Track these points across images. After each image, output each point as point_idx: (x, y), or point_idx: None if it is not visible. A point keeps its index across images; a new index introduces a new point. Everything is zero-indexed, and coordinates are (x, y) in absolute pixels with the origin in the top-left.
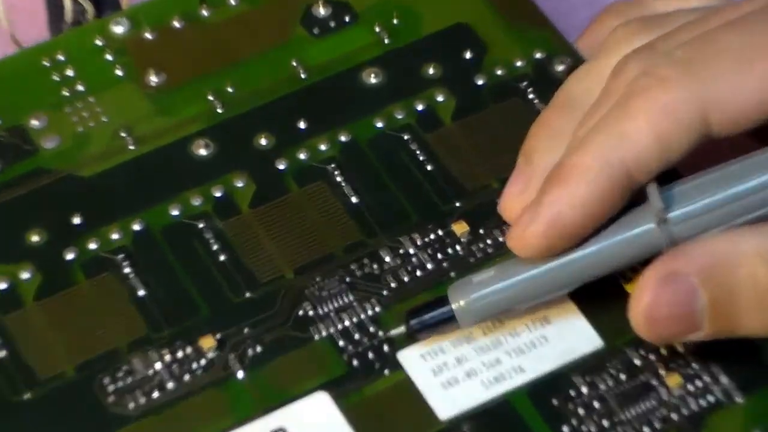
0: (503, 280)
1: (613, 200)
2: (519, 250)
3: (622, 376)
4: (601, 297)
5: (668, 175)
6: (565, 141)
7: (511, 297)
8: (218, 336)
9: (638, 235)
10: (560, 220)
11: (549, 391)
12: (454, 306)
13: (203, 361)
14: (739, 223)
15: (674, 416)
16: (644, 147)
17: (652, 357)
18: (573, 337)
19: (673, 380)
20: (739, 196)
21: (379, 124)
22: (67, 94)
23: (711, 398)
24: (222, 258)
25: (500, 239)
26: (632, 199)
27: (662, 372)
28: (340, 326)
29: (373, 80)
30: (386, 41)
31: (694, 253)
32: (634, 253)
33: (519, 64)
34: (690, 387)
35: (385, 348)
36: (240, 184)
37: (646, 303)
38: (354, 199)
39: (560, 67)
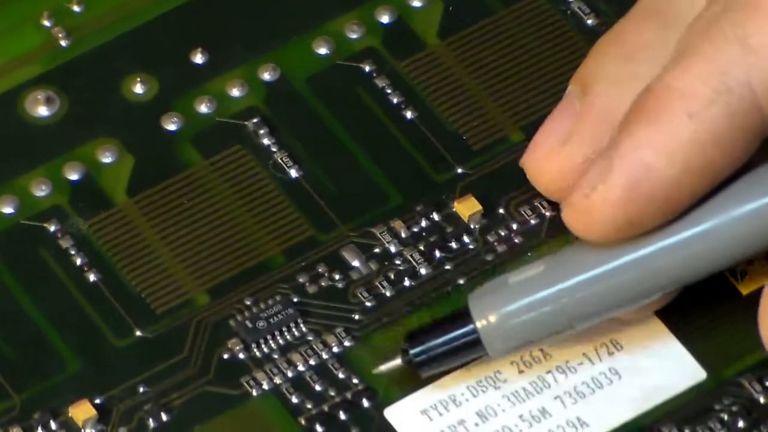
0: (557, 280)
1: (733, 148)
2: (581, 226)
3: (741, 424)
4: (700, 305)
5: None
6: (650, 67)
7: (571, 308)
8: (98, 401)
9: None
10: (648, 179)
11: None
12: (479, 324)
13: None
14: None
15: None
16: None
17: None
18: (660, 368)
19: None
20: None
21: (323, 51)
22: None
23: None
24: (92, 278)
25: (533, 222)
26: (763, 151)
27: None
28: (290, 373)
29: None
30: None
31: None
32: (764, 234)
33: None
34: None
35: (365, 403)
36: (108, 159)
37: None
38: (293, 172)
39: None
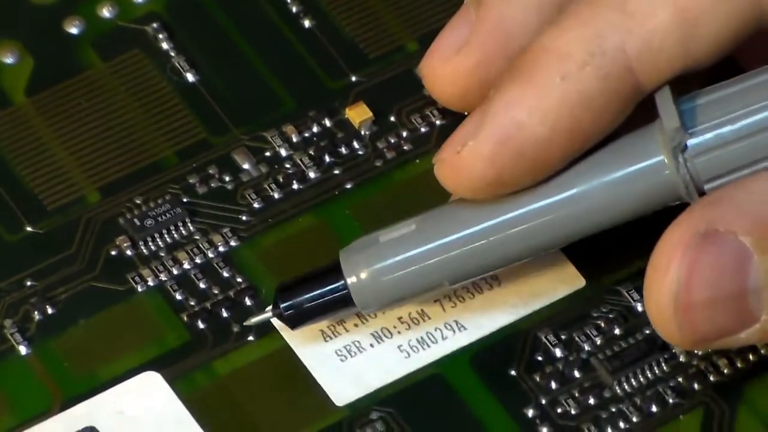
0: (428, 239)
1: (604, 111)
2: (452, 181)
3: (617, 330)
4: None
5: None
6: None
7: (441, 267)
8: None
9: (641, 171)
10: (518, 137)
11: (503, 357)
12: (350, 280)
13: None
14: None
15: (696, 386)
16: (658, 29)
17: None
18: (541, 275)
19: None
20: None
21: None
22: None
23: (751, 359)
24: None
25: (423, 130)
26: (635, 116)
27: None
28: (175, 271)
29: None
30: None
31: (743, 201)
32: (633, 199)
33: None
34: None
35: (248, 301)
36: (10, 60)
37: (675, 278)
38: (190, 77)
39: None
